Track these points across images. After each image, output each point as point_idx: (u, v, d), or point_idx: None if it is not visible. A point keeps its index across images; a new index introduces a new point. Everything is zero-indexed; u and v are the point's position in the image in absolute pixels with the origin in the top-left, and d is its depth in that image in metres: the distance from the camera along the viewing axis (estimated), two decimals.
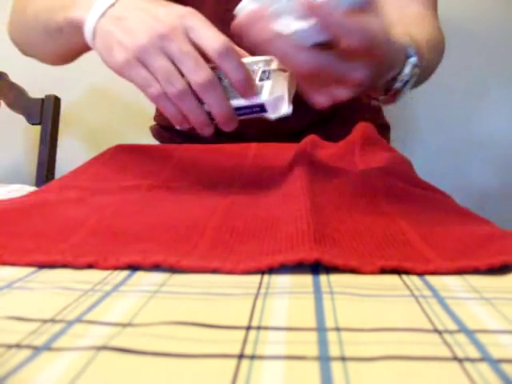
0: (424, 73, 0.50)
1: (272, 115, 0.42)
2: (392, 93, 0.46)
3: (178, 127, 0.44)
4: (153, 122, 0.85)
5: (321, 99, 0.41)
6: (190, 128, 0.44)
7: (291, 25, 0.36)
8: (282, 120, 0.70)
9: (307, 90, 0.42)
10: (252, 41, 0.38)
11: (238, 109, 0.43)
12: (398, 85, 0.45)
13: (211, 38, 0.40)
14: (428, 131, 1.12)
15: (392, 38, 0.40)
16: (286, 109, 0.42)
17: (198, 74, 0.40)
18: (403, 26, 0.55)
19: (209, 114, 0.42)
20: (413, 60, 0.45)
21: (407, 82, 0.45)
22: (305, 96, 0.42)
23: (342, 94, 0.40)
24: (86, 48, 0.52)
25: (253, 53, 0.44)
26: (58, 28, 0.52)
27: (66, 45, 0.55)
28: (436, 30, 0.63)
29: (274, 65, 0.45)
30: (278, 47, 0.37)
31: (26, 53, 0.68)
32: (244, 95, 0.41)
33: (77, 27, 0.47)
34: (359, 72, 0.38)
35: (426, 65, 0.51)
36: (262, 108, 0.42)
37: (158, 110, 0.85)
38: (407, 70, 0.45)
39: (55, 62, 0.64)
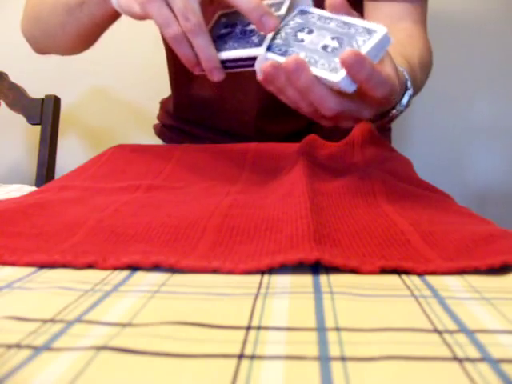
0: (415, 94, 0.53)
1: None
2: (386, 119, 0.50)
3: (195, 72, 0.46)
4: (154, 122, 0.85)
5: (327, 124, 0.46)
6: (204, 74, 0.46)
7: (337, 74, 0.38)
8: (281, 120, 0.71)
9: (317, 119, 0.45)
10: (296, 86, 0.40)
11: (239, 60, 0.43)
12: (394, 112, 0.49)
13: None
14: (424, 131, 1.12)
15: (399, 77, 0.45)
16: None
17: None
18: (398, 45, 0.58)
19: (223, 62, 0.44)
20: (410, 92, 0.49)
21: (401, 112, 0.50)
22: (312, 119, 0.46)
23: (347, 124, 0.45)
24: (108, 19, 0.53)
25: None
26: (79, 3, 0.53)
27: (89, 20, 0.56)
28: (425, 45, 0.66)
29: (285, 8, 0.44)
30: (316, 92, 0.39)
31: (42, 48, 0.68)
32: (263, 26, 0.41)
33: None
34: (367, 112, 0.43)
35: (419, 86, 0.53)
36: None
37: (161, 109, 0.85)
38: (405, 100, 0.49)
39: (75, 48, 0.65)
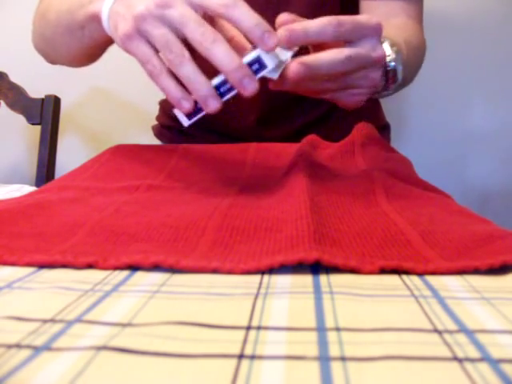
0: (405, 70, 0.53)
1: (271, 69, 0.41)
2: (390, 77, 0.51)
3: (179, 112, 0.42)
4: (154, 122, 0.85)
5: (352, 100, 0.48)
6: (195, 111, 0.42)
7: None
8: (281, 124, 0.71)
9: (339, 96, 0.47)
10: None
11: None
12: (391, 65, 0.50)
13: None
14: (424, 131, 1.12)
15: None
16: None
17: (205, 33, 0.39)
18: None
19: (216, 88, 0.41)
20: (388, 41, 0.50)
21: (397, 62, 0.50)
22: (338, 102, 0.48)
23: (360, 98, 0.47)
24: (109, 40, 0.53)
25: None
26: (80, 26, 0.53)
27: (90, 41, 0.56)
28: (417, 36, 0.65)
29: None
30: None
31: (52, 60, 0.69)
32: (262, 43, 0.39)
33: (97, 20, 0.48)
34: (376, 72, 0.45)
35: (407, 61, 0.53)
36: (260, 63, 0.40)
37: (160, 110, 0.85)
38: (388, 50, 0.50)
39: (82, 63, 0.66)
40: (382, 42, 0.49)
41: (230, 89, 0.41)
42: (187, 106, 0.41)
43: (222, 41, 0.39)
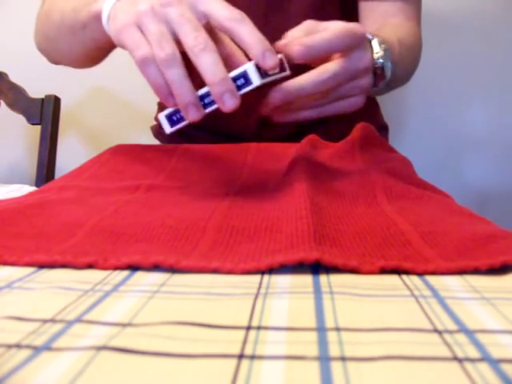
0: (397, 68, 0.53)
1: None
2: (378, 74, 0.51)
3: (163, 119, 0.42)
4: (153, 122, 0.85)
5: (348, 107, 0.48)
6: (178, 118, 0.41)
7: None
8: (283, 124, 0.70)
9: (336, 108, 0.48)
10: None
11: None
12: (379, 62, 0.50)
13: (224, 8, 0.39)
14: (422, 132, 1.12)
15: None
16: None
17: (197, 38, 0.38)
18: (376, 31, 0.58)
19: (201, 98, 0.39)
20: (376, 40, 0.51)
21: (385, 59, 0.51)
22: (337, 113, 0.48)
23: (357, 101, 0.47)
24: (110, 44, 0.51)
25: None
26: (82, 26, 0.53)
27: (91, 42, 0.55)
28: (413, 35, 0.66)
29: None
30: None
31: (54, 60, 0.69)
32: (262, 61, 0.38)
33: (99, 19, 0.48)
34: (364, 79, 0.46)
35: (399, 59, 0.54)
36: (246, 78, 0.39)
37: (158, 110, 0.85)
38: (376, 47, 0.50)
39: (84, 65, 0.65)
40: (370, 41, 0.50)
41: (214, 101, 0.39)
42: (173, 101, 0.40)
43: (212, 50, 0.38)
